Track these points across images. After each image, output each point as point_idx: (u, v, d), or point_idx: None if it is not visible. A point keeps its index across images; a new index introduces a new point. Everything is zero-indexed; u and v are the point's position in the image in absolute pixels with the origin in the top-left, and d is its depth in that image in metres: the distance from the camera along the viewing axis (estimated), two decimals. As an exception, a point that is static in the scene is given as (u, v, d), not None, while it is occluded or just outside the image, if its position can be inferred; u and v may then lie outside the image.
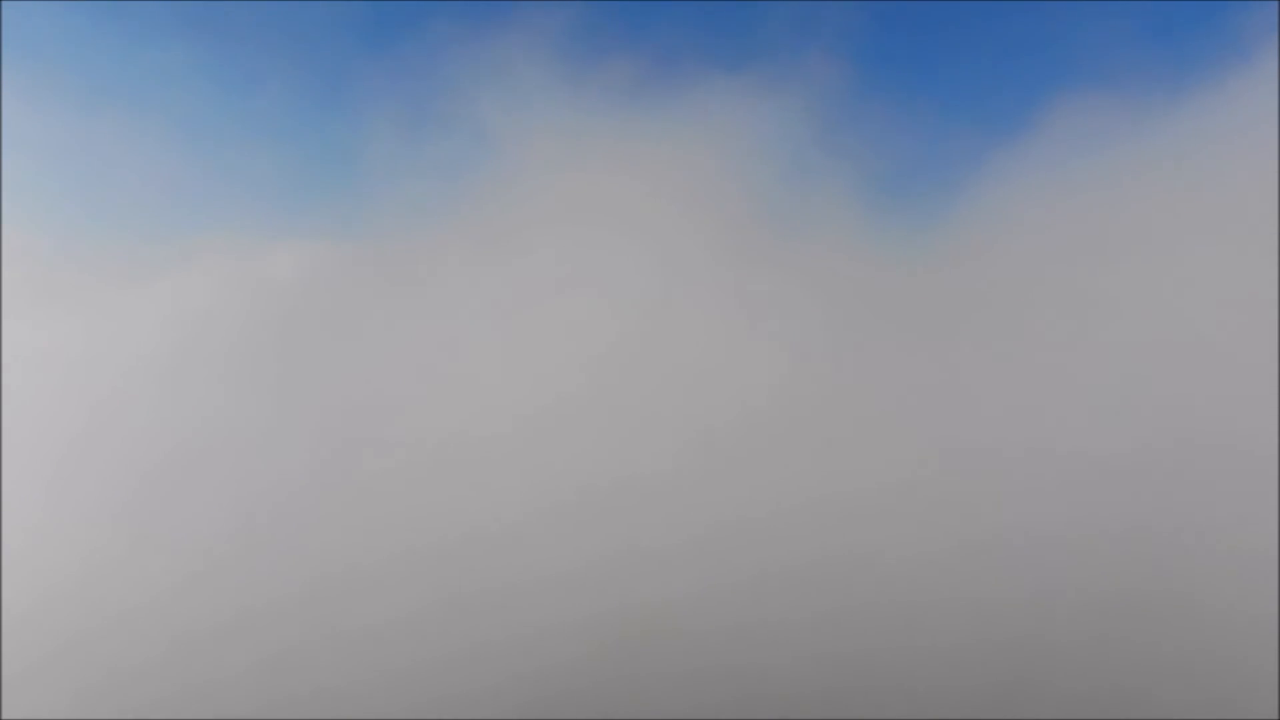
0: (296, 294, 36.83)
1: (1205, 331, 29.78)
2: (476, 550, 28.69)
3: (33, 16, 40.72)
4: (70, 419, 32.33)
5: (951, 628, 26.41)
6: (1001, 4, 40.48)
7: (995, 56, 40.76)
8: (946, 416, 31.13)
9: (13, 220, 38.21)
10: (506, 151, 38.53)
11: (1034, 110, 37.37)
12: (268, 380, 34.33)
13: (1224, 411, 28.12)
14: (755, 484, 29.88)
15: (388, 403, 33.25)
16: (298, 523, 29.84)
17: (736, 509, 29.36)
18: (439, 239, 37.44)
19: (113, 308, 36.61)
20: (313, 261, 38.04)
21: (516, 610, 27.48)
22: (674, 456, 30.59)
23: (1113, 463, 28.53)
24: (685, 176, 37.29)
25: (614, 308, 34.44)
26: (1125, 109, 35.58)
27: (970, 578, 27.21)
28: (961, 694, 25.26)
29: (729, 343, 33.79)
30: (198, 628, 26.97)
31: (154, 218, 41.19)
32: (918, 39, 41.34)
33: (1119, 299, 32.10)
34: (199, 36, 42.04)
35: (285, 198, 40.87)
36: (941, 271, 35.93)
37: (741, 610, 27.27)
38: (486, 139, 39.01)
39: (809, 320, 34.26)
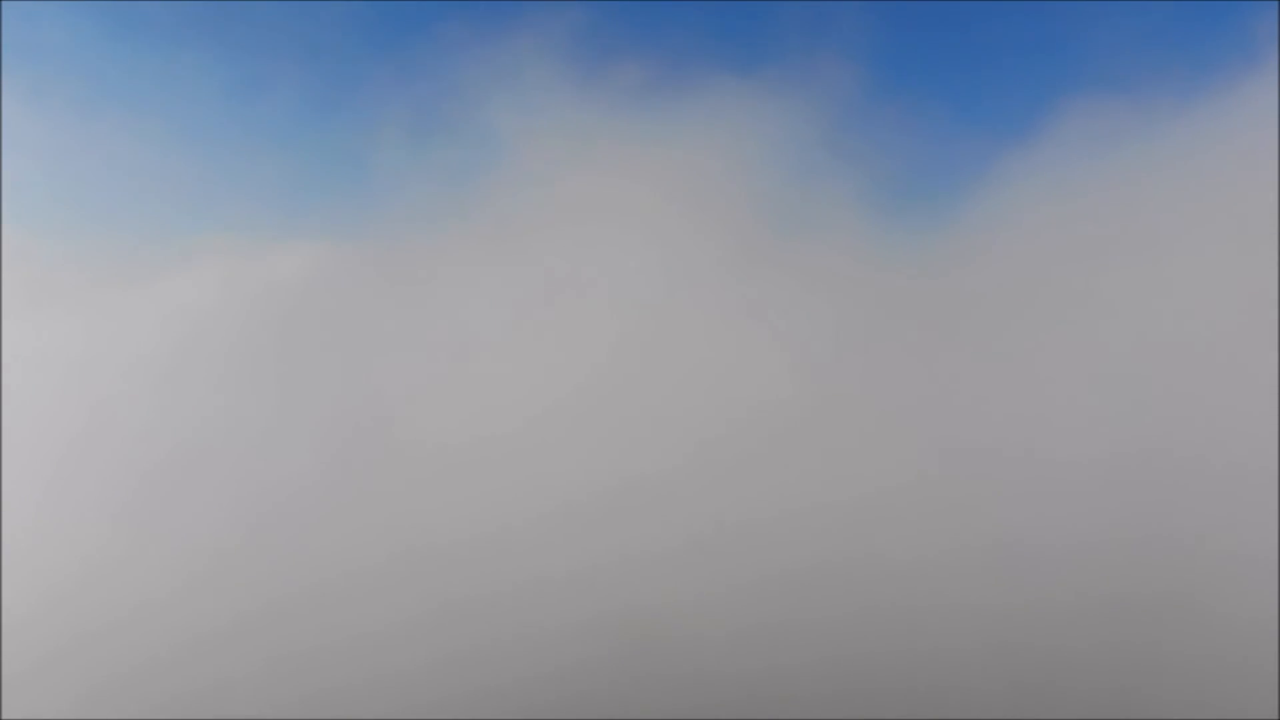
0: (299, 295, 36.67)
1: (1213, 335, 29.76)
2: (480, 552, 28.59)
3: (34, 18, 40.71)
4: (70, 420, 32.23)
5: (955, 631, 26.39)
6: (1012, 7, 40.44)
7: (1005, 59, 40.76)
8: (951, 420, 31.08)
9: (14, 221, 38.24)
10: (513, 153, 38.51)
11: (1043, 113, 37.39)
12: (270, 381, 34.23)
13: (1231, 416, 28.15)
14: (760, 487, 29.80)
15: (390, 404, 33.20)
16: (299, 525, 29.70)
17: (741, 512, 29.29)
18: (444, 241, 37.44)
19: (114, 308, 36.52)
20: (316, 262, 37.91)
21: (520, 613, 27.39)
22: (679, 459, 30.49)
23: (1117, 467, 28.51)
24: (693, 179, 37.24)
25: (620, 310, 34.38)
26: (1135, 112, 35.60)
27: (974, 581, 27.18)
28: (964, 697, 25.27)
29: (735, 346, 33.73)
30: (199, 629, 26.84)
31: (156, 219, 41.25)
32: (928, 41, 41.33)
33: (1126, 303, 32.05)
34: (204, 39, 42.05)
35: (289, 200, 40.86)
36: (948, 275, 35.88)
37: (746, 613, 27.20)
38: (493, 141, 39.01)
39: (816, 323, 34.21)
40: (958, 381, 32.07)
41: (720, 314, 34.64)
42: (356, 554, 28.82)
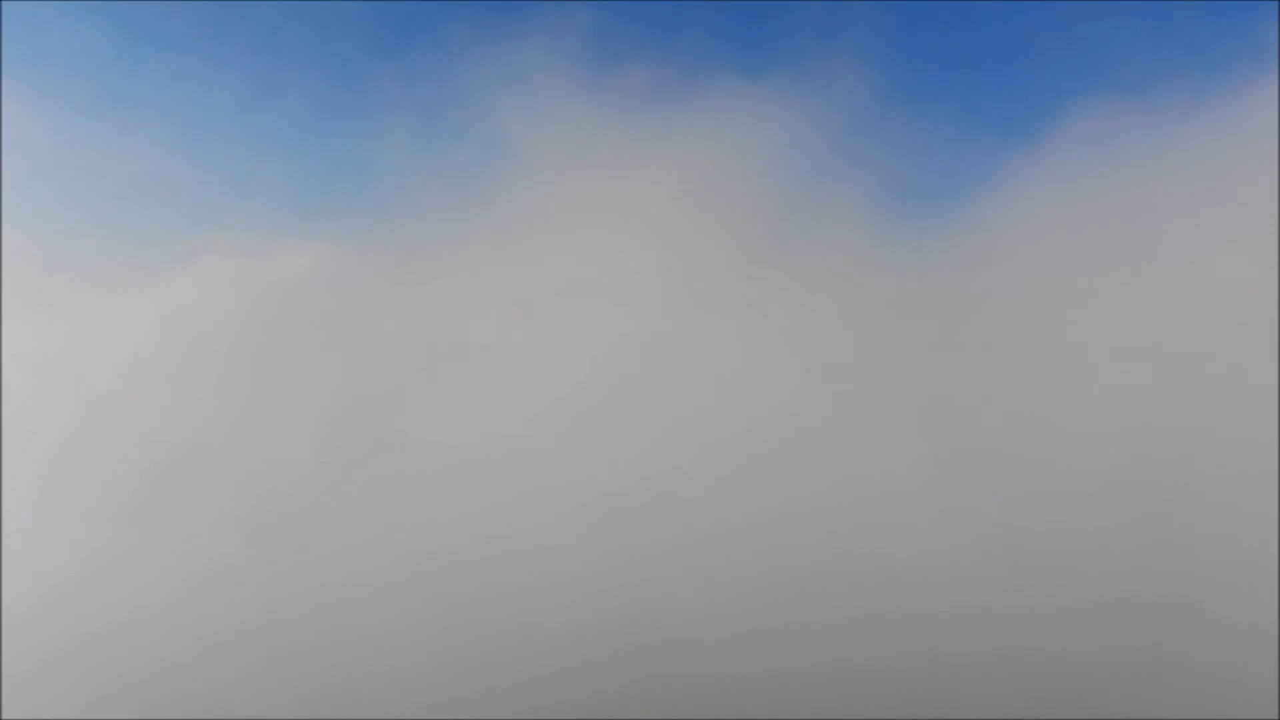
0: (303, 296, 36.58)
1: (1219, 340, 29.70)
2: (485, 554, 28.43)
3: (36, 20, 40.75)
4: (71, 420, 32.05)
5: (958, 634, 26.29)
6: (1024, 11, 40.54)
7: (1015, 61, 40.95)
8: (956, 423, 31.01)
9: (16, 222, 38.14)
10: (520, 156, 38.66)
11: (1052, 116, 37.52)
12: (271, 382, 34.09)
13: (1237, 421, 28.11)
14: (765, 489, 29.68)
15: (393, 406, 33.01)
16: (300, 526, 29.51)
17: (746, 514, 29.16)
18: (449, 242, 37.49)
19: (114, 309, 36.39)
20: (320, 263, 37.88)
21: (524, 615, 27.19)
22: (684, 461, 30.41)
23: (1121, 471, 28.45)
24: (699, 182, 37.30)
25: (626, 313, 34.30)
26: (1144, 115, 35.68)
27: (977, 585, 27.12)
28: (969, 700, 25.12)
29: (741, 348, 33.67)
30: (199, 630, 26.61)
31: (158, 220, 41.28)
32: (938, 44, 41.45)
33: (1132, 307, 32.08)
34: (210, 42, 42.22)
35: (294, 202, 41.01)
36: (954, 278, 35.93)
37: (749, 615, 27.09)
38: (500, 143, 39.17)
39: (822, 326, 34.15)
40: (963, 384, 31.98)
41: (726, 316, 34.60)
42: (358, 556, 28.62)
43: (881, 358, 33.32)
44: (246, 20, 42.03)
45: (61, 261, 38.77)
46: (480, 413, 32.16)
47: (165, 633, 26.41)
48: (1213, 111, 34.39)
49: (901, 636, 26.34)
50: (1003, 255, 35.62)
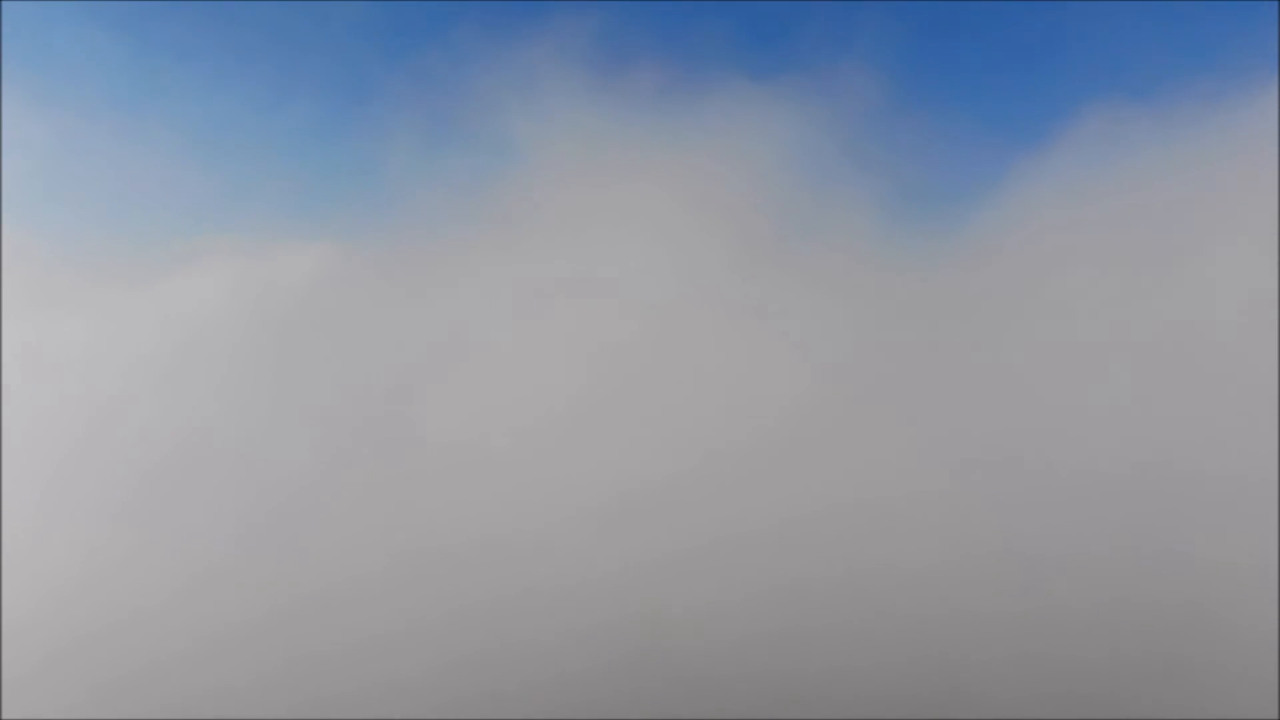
0: (308, 297, 36.51)
1: (1230, 342, 29.74)
2: (489, 557, 28.26)
3: (40, 22, 40.65)
4: (72, 421, 31.85)
5: (962, 637, 26.25)
6: (1032, 15, 40.67)
7: (1024, 66, 41.09)
8: (964, 427, 30.95)
9: (18, 223, 37.95)
10: (528, 158, 38.72)
11: (1060, 119, 37.60)
12: (274, 384, 33.97)
13: (1243, 426, 28.02)
14: (773, 492, 29.57)
15: (397, 407, 32.90)
16: (302, 528, 29.35)
17: (754, 517, 29.03)
18: (455, 245, 37.46)
19: (116, 309, 36.28)
20: (325, 265, 37.77)
21: (528, 618, 27.01)
22: (690, 464, 30.29)
23: (1128, 476, 28.42)
24: (708, 185, 37.35)
25: (633, 315, 34.24)
26: (1152, 118, 35.77)
27: (984, 588, 27.03)
28: (973, 702, 25.03)
29: (748, 351, 33.65)
30: (200, 632, 26.39)
31: (163, 222, 41.09)
32: (948, 48, 41.55)
33: (1139, 311, 32.12)
34: (216, 44, 42.16)
35: (300, 204, 41.05)
36: (962, 281, 35.96)
37: (755, 619, 26.93)
38: (508, 146, 39.26)
39: (830, 329, 34.13)
40: (970, 387, 31.95)
41: (733, 319, 34.57)
42: (360, 558, 28.44)
43: (889, 360, 33.25)
44: (255, 24, 42.12)
45: (62, 262, 38.60)
46: (486, 415, 32.07)
47: (165, 634, 26.18)
48: (1221, 115, 34.53)
49: (908, 640, 26.24)
50: (1010, 258, 35.68)
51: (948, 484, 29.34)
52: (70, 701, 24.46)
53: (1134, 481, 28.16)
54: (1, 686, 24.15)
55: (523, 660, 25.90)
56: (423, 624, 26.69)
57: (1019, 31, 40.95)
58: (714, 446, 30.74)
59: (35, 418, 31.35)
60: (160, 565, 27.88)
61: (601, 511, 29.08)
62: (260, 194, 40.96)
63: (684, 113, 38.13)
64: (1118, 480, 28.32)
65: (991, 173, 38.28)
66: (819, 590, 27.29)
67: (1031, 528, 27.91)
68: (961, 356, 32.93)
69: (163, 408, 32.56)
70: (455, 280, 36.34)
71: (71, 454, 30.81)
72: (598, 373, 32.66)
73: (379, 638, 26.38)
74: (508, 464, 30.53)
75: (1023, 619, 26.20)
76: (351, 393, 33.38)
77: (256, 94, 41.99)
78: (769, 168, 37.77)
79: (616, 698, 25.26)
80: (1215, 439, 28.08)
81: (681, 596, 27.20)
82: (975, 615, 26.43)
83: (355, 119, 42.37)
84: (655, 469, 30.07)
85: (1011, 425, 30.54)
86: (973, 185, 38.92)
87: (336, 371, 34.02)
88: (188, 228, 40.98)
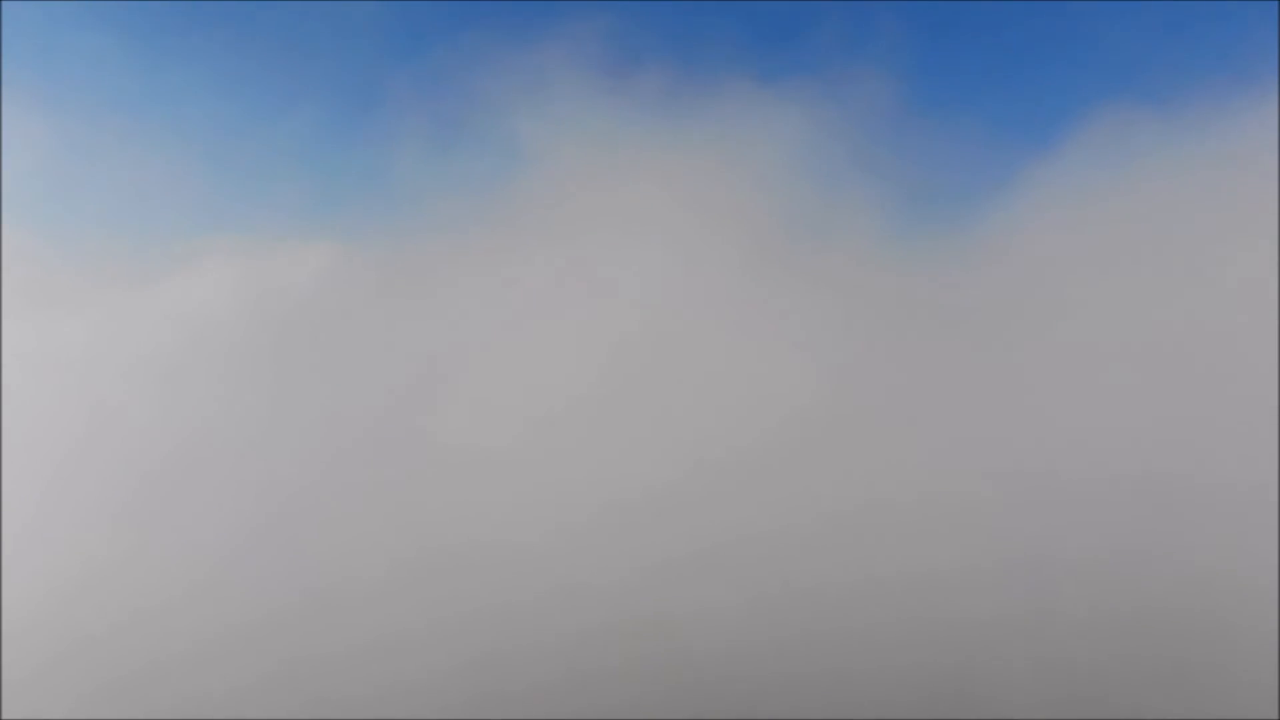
0: (313, 299, 36.44)
1: (1239, 346, 29.66)
2: (494, 559, 28.08)
3: (39, 22, 40.59)
4: (73, 421, 31.74)
5: (968, 642, 26.08)
6: (1040, 18, 40.79)
7: (1031, 68, 41.14)
8: (970, 430, 30.84)
9: (19, 223, 37.87)
10: (536, 161, 38.71)
11: (1068, 122, 37.63)
12: (277, 385, 33.86)
13: (1258, 428, 27.85)
14: (780, 495, 29.41)
15: (400, 410, 32.73)
16: (303, 531, 29.14)
17: (760, 520, 28.84)
18: (461, 247, 37.43)
19: (118, 310, 36.18)
20: (328, 267, 37.58)
21: (532, 619, 26.80)
22: (697, 466, 30.13)
23: (1135, 480, 28.30)
24: (716, 188, 37.30)
25: (641, 318, 34.14)
26: (1163, 121, 35.80)
27: (989, 593, 26.83)
28: (976, 706, 24.88)
29: (754, 354, 33.53)
30: (201, 633, 26.15)
31: (168, 223, 40.92)
32: (956, 52, 41.62)
33: (1148, 314, 32.10)
34: (226, 47, 42.09)
35: (307, 206, 40.98)
36: (970, 285, 35.84)
37: (764, 622, 26.76)
38: (516, 148, 39.27)
39: (836, 333, 34.07)
40: (977, 391, 31.84)
41: (741, 321, 34.47)
42: (362, 560, 28.24)
43: (897, 363, 33.20)
44: (262, 27, 42.09)
45: (63, 262, 38.45)
46: (491, 417, 31.95)
47: (165, 635, 25.95)
48: (1230, 118, 34.53)
49: (913, 644, 26.05)
50: (1018, 261, 35.63)
51: (954, 487, 29.22)
52: (71, 702, 24.21)
53: (1140, 484, 28.04)
54: (1, 687, 23.92)
55: (527, 663, 25.68)
56: (425, 626, 26.46)
57: (1026, 35, 41.11)
58: (722, 449, 30.59)
59: (35, 418, 31.16)
60: (161, 566, 27.67)
61: (606, 514, 28.86)
62: (266, 196, 40.99)
63: (692, 116, 38.21)
64: (1125, 483, 28.21)
65: (999, 176, 38.33)
66: (825, 594, 27.09)
67: (1039, 531, 27.81)
68: (969, 360, 32.84)
69: (164, 408, 32.47)
70: (462, 282, 36.25)
71: (71, 454, 30.60)
72: (604, 376, 32.53)
73: (380, 640, 26.17)
74: (512, 466, 30.35)
75: (1028, 622, 26.12)
76: (354, 395, 33.22)
77: (263, 96, 42.06)
78: (777, 170, 37.81)
79: (623, 701, 25.02)
80: (1224, 443, 27.99)
81: (687, 599, 26.97)
82: (981, 619, 26.25)
83: (363, 121, 42.42)
84: (662, 472, 29.87)
85: (1018, 428, 30.41)
86: (980, 188, 38.96)
87: (340, 373, 33.90)
88: (190, 229, 40.97)
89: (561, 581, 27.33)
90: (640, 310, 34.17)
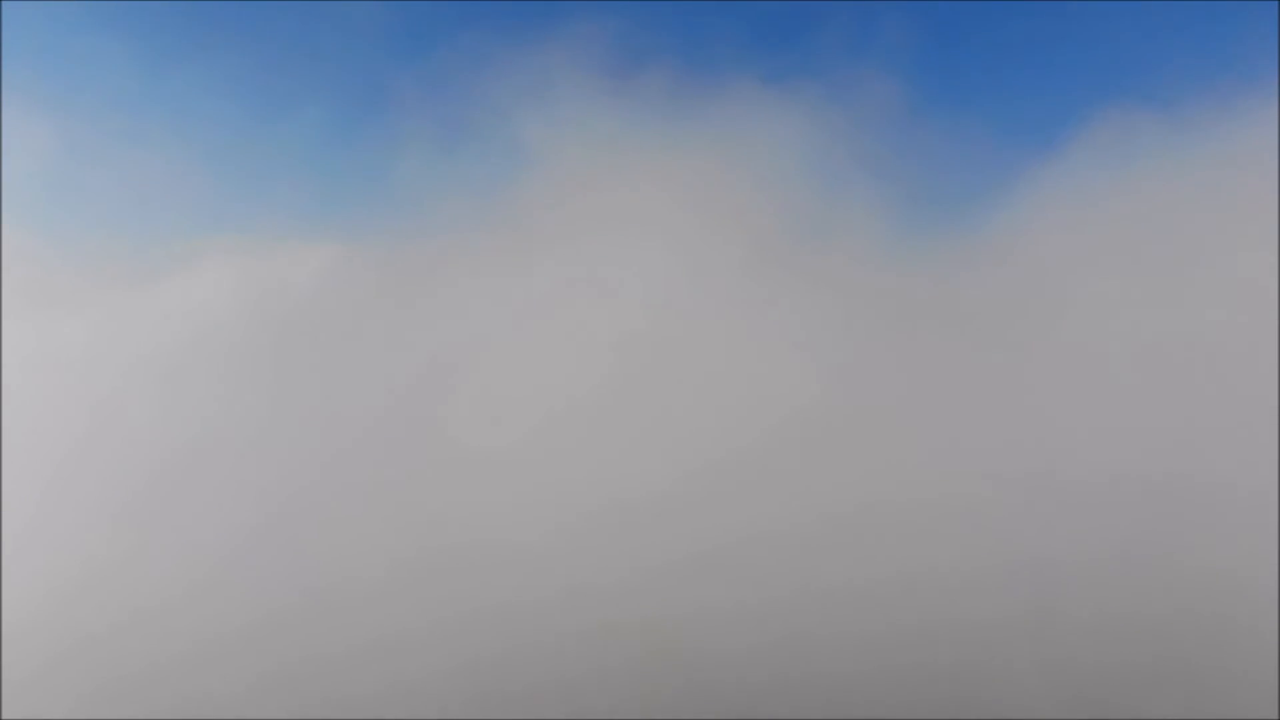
0: (315, 299, 36.36)
1: (1241, 348, 29.59)
2: (497, 559, 27.97)
3: (41, 23, 40.58)
4: (73, 422, 31.62)
5: (969, 643, 25.99)
6: (1044, 20, 40.82)
7: (1039, 70, 41.14)
8: (972, 431, 30.70)
9: (20, 223, 37.78)
10: (540, 162, 38.77)
11: (1071, 124, 37.68)
12: (278, 385, 33.75)
13: (1260, 430, 27.76)
14: (780, 497, 29.31)
15: (402, 411, 32.63)
16: (304, 531, 29.02)
17: (762, 521, 28.72)
18: (465, 248, 37.49)
19: (119, 310, 36.17)
20: (330, 267, 37.54)
21: (534, 621, 26.69)
22: (701, 467, 30.02)
23: (1138, 482, 28.23)
24: (719, 189, 37.33)
25: (644, 319, 34.10)
26: (1165, 123, 35.83)
27: (990, 593, 26.74)
28: (979, 708, 24.71)
29: (759, 355, 33.49)
30: (202, 634, 26.02)
31: (167, 223, 40.89)
32: (964, 53, 41.64)
33: (1152, 315, 32.03)
34: (230, 48, 42.08)
35: (312, 207, 41.06)
36: (972, 286, 35.87)
37: (766, 623, 26.60)
38: (520, 149, 39.35)
39: (839, 334, 34.04)
40: (979, 393, 31.75)
41: (744, 322, 34.44)
42: (364, 560, 28.12)
43: (900, 365, 33.14)
44: (267, 27, 42.09)
45: (63, 262, 38.42)
46: (493, 418, 31.83)
47: (166, 635, 25.83)
48: (1233, 120, 34.51)
49: (915, 644, 25.98)
50: (1020, 263, 35.65)
51: (956, 488, 29.10)
52: (71, 702, 24.06)
53: (1141, 485, 28.01)
54: (1, 687, 23.75)
55: (527, 663, 25.57)
56: (426, 627, 26.35)
57: (1029, 37, 41.12)
58: (724, 450, 30.50)
59: (36, 418, 31.04)
60: (161, 566, 27.53)
61: (607, 515, 28.77)
62: (268, 196, 41.07)
63: (696, 117, 38.32)
64: (1126, 484, 28.18)
65: (1002, 178, 38.37)
66: (826, 595, 26.97)
67: (1040, 531, 27.74)
68: (971, 361, 32.78)
69: (164, 409, 32.33)
70: (464, 283, 36.21)
71: (72, 454, 30.48)
72: (607, 377, 32.46)
73: (380, 641, 26.08)
74: (514, 467, 30.27)
75: (1028, 622, 26.04)
76: (356, 395, 33.14)
77: (267, 97, 42.07)
78: (781, 171, 37.87)
79: (624, 702, 24.96)
80: (1225, 444, 27.96)
81: (688, 600, 26.87)
82: (982, 620, 26.17)
83: (366, 122, 42.44)
84: (664, 472, 29.79)
85: (1020, 430, 30.34)
86: (983, 190, 39.00)
87: (341, 374, 33.81)
88: (192, 230, 41.01)
89: (562, 582, 27.23)
90: (643, 310, 34.14)
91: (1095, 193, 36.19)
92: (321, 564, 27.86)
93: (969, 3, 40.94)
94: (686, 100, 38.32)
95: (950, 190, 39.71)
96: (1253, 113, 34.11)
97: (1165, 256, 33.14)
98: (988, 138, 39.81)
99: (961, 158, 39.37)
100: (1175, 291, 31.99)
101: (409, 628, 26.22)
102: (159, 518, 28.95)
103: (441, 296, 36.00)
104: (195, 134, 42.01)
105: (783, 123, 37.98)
